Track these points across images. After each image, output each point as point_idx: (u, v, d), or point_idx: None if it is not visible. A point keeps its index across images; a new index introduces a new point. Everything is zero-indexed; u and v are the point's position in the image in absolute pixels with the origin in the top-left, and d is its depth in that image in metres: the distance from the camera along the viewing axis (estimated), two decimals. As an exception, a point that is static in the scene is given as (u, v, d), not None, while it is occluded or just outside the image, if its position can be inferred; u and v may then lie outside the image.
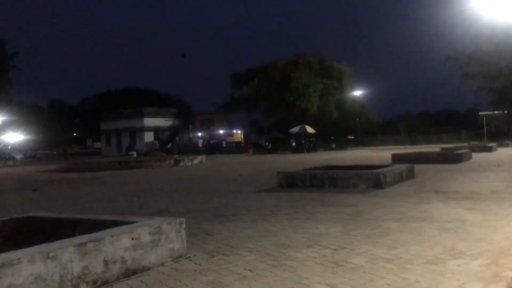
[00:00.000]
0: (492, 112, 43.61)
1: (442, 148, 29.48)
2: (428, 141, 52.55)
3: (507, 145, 34.72)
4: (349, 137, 61.94)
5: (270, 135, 53.55)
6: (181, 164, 29.35)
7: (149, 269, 5.22)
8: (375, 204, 9.40)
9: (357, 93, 56.26)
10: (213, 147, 51.69)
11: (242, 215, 8.75)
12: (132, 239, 5.13)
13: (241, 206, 10.00)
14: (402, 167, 13.68)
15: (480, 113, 51.53)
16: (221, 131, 58.83)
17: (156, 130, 60.64)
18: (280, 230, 7.16)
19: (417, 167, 15.69)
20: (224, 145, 54.17)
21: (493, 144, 31.44)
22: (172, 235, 5.62)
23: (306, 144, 44.73)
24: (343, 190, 11.86)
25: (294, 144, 45.46)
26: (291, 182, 13.23)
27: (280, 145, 48.90)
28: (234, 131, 59.04)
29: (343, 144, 52.37)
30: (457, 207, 8.72)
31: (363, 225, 7.25)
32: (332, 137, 55.33)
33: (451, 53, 14.20)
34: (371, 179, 12.20)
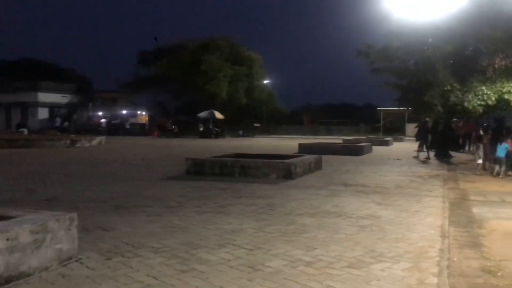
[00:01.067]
0: (389, 108, 46.39)
1: (344, 140, 30.54)
2: (329, 133, 54.63)
3: (401, 140, 37.05)
4: (256, 124, 62.49)
5: (177, 118, 52.07)
6: (78, 145, 27.15)
7: (28, 275, 4.27)
8: (288, 196, 9.07)
9: (266, 81, 56.76)
10: (115, 128, 49.01)
11: (146, 206, 7.91)
12: (7, 239, 4.14)
13: (144, 195, 9.12)
14: (311, 158, 13.62)
15: (378, 108, 54.71)
16: (125, 111, 55.99)
17: (52, 107, 55.99)
18: (189, 225, 6.48)
19: (323, 157, 15.84)
20: (127, 126, 51.63)
21: (389, 138, 33.24)
22: (60, 233, 4.69)
23: (214, 130, 44.10)
24: (254, 180, 11.45)
25: (201, 129, 44.55)
26: (199, 169, 12.55)
27: (187, 129, 47.71)
28: (139, 112, 56.45)
29: (250, 131, 52.59)
30: (368, 201, 8.67)
31: (277, 220, 6.82)
32: (240, 124, 55.37)
33: (363, 48, 14.53)
34: (282, 169, 11.93)
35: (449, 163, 16.97)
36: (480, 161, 13.91)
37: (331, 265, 4.72)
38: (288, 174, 11.83)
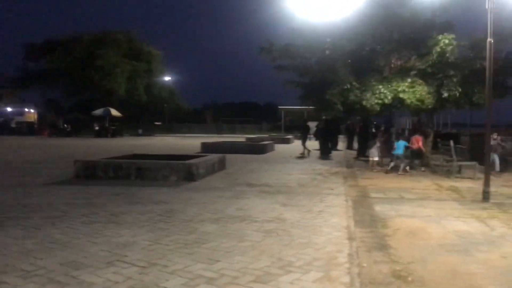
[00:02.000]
0: (290, 107, 47.54)
1: (248, 139, 30.50)
2: (233, 131, 54.77)
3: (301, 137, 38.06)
4: (157, 123, 60.60)
5: (70, 116, 48.52)
6: (-49, 146, 23.94)
7: None
8: (189, 200, 8.43)
9: (167, 78, 55.21)
10: (-2, 127, 44.46)
11: (23, 218, 6.79)
12: None
13: (23, 204, 7.90)
14: (214, 157, 13.08)
15: (279, 107, 55.92)
16: (10, 109, 51.06)
17: None
18: (72, 240, 5.57)
19: (227, 157, 15.42)
20: (13, 125, 47.06)
21: (290, 136, 33.87)
22: None
23: (111, 128, 41.79)
24: (152, 183, 10.63)
25: (97, 127, 41.98)
26: (91, 173, 11.40)
27: (82, 127, 44.72)
28: (26, 109, 51.80)
29: (150, 130, 50.80)
30: (273, 202, 8.33)
31: (176, 229, 6.16)
32: (140, 122, 53.24)
33: (265, 45, 14.33)
34: (183, 171, 11.24)
35: (328, 159, 17.65)
36: (376, 158, 14.38)
37: (235, 280, 4.21)
38: (189, 176, 11.18)
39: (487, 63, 8.92)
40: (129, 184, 10.41)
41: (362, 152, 17.99)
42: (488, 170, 9.07)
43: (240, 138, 34.19)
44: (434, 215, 7.54)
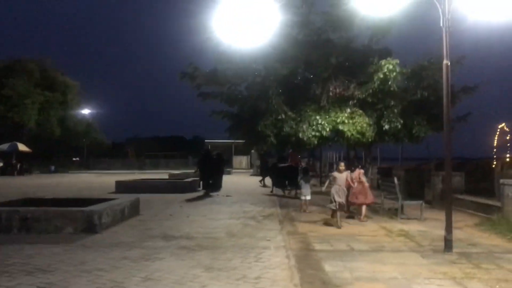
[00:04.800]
0: (217, 140, 45.82)
1: (171, 175, 28.18)
2: (156, 166, 51.87)
3: (229, 173, 36.19)
4: (74, 158, 56.16)
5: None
6: None
7: None
8: (79, 266, 6.20)
9: (85, 111, 51.47)
10: None
11: None
12: None
13: None
14: (125, 201, 10.83)
15: (206, 140, 53.98)
16: None
17: None
18: None
19: (144, 198, 13.20)
20: None
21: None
22: None
23: (18, 165, 37.51)
24: (40, 238, 8.25)
25: (1, 164, 37.50)
26: (-45, 226, 8.73)
27: (-16, 165, 39.83)
28: None
29: (65, 166, 46.57)
30: (194, 265, 6.33)
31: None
32: (53, 158, 48.79)
33: (188, 70, 12.64)
34: (82, 220, 8.93)
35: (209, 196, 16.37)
36: (308, 197, 12.83)
37: None
38: (90, 227, 8.89)
39: (444, 89, 7.72)
40: (8, 241, 7.94)
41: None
42: (449, 213, 7.72)
43: (163, 174, 31.75)
44: (399, 277, 5.94)
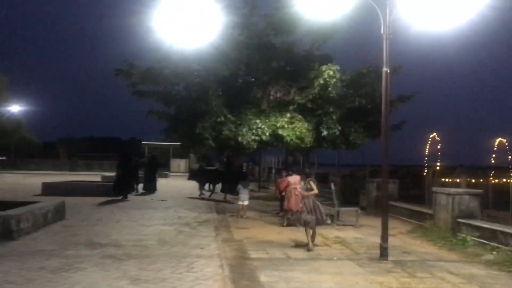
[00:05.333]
0: (154, 142, 44.50)
1: (104, 177, 26.91)
2: (90, 168, 49.57)
3: (166, 176, 35.24)
4: (1, 158, 52.54)
5: None
6: None
7: None
8: (-15, 280, 5.50)
9: (14, 108, 48.26)
10: None
11: None
12: None
13: None
14: (48, 205, 10.01)
15: (142, 142, 52.32)
16: None
17: None
18: None
19: (72, 200, 12.38)
20: None
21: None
22: None
23: None
24: None
25: None
26: None
27: None
28: None
29: (-10, 166, 43.42)
30: (118, 277, 5.82)
31: None
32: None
33: (124, 67, 11.91)
34: (-4, 226, 8.08)
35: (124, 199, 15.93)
36: (246, 202, 12.55)
37: None
38: (6, 233, 8.07)
39: (383, 96, 7.71)
40: None
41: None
42: (385, 222, 7.70)
43: (96, 176, 30.33)
44: (335, 287, 5.77)
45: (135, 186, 19.33)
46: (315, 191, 8.49)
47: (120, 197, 16.21)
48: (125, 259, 6.84)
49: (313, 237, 8.32)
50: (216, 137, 11.49)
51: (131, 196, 17.11)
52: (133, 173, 18.71)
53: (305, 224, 8.30)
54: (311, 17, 9.78)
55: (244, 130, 11.32)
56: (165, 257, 7.10)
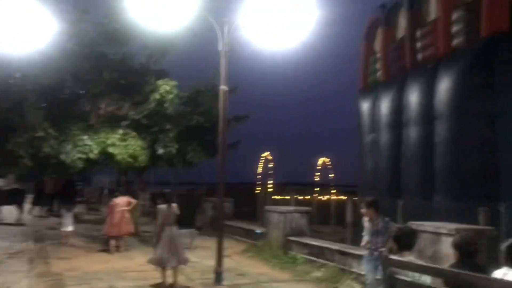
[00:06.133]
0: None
1: None
2: None
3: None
4: None
5: None
6: None
7: None
8: None
9: None
10: None
11: None
12: None
13: None
14: None
15: None
16: None
17: None
18: None
19: None
20: None
21: None
22: None
23: None
24: None
25: None
26: None
27: None
28: None
29: None
30: None
31: None
32: None
33: None
34: None
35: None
36: (70, 228, 11.22)
37: None
38: None
39: (220, 114, 7.53)
40: None
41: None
42: (220, 246, 7.43)
43: None
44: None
45: None
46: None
47: None
48: None
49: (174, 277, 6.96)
50: (34, 154, 10.00)
51: None
52: None
53: (160, 264, 6.94)
54: (147, 29, 9.23)
55: (68, 147, 10.07)
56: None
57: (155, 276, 7.77)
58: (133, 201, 11.02)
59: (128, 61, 12.04)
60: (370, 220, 5.80)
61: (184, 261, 7.16)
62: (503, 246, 3.14)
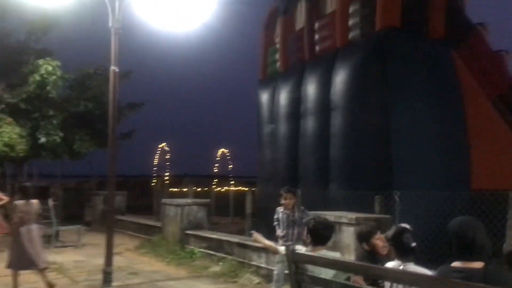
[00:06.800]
0: None
1: None
2: None
3: None
4: None
5: None
6: None
7: None
8: None
9: None
10: None
11: None
12: None
13: None
14: None
15: None
16: None
17: None
18: None
19: None
20: None
21: None
22: None
23: None
24: None
25: None
26: None
27: None
28: None
29: None
30: None
31: None
32: None
33: None
34: None
35: None
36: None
37: None
38: None
39: (110, 98, 6.79)
40: None
41: None
42: (110, 241, 6.73)
43: None
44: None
45: None
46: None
47: None
48: None
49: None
50: None
51: None
52: None
53: (14, 267, 6.06)
54: (28, 2, 8.12)
55: None
56: None
57: (32, 279, 6.84)
58: (5, 198, 9.68)
59: (4, 38, 10.65)
60: (287, 210, 5.51)
61: (43, 264, 6.33)
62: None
